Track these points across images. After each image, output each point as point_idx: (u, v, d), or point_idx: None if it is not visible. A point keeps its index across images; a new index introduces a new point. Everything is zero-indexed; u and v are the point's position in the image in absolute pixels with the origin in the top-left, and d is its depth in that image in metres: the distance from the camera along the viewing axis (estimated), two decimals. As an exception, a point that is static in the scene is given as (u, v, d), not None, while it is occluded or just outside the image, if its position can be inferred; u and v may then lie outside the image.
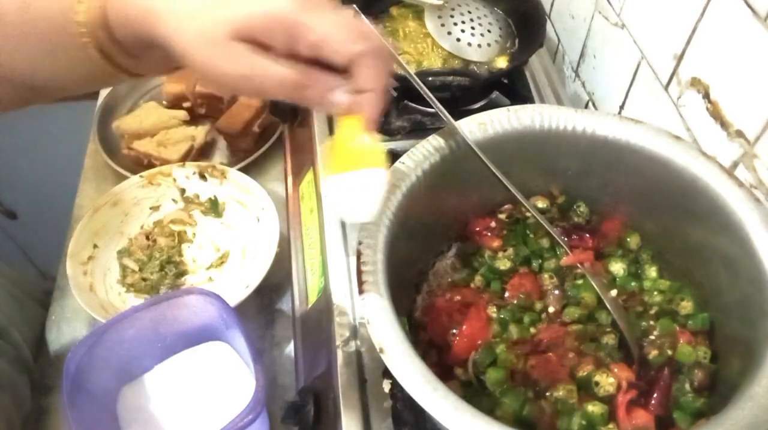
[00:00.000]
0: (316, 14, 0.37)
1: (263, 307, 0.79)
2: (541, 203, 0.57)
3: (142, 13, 0.39)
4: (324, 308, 0.61)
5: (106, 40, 0.42)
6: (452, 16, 0.78)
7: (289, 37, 0.37)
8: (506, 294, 0.53)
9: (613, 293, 0.53)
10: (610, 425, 0.45)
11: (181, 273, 0.82)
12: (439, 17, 0.78)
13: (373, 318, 0.41)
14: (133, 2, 0.40)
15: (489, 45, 0.78)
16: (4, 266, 0.83)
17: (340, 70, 0.39)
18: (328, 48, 0.37)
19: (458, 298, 0.53)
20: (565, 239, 0.55)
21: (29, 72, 0.46)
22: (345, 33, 0.37)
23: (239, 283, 0.78)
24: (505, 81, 0.79)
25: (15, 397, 0.69)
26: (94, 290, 0.77)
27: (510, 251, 0.56)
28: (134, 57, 0.44)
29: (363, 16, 0.72)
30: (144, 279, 0.81)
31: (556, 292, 0.53)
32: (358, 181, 0.41)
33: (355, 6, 0.77)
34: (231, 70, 0.37)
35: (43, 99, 0.50)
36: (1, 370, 0.69)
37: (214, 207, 0.87)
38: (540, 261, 0.55)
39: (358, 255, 0.44)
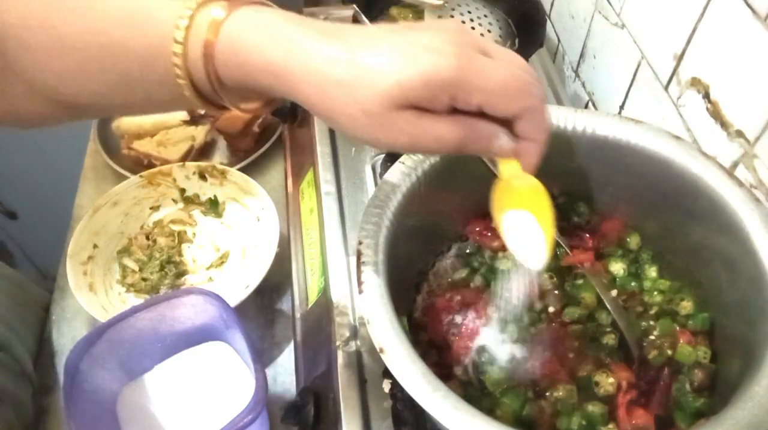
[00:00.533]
0: (479, 71, 0.35)
1: (263, 307, 0.79)
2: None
3: (265, 66, 0.36)
4: (324, 308, 0.61)
5: (205, 82, 0.38)
6: (452, 16, 0.78)
7: (451, 99, 0.35)
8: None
9: (613, 293, 0.53)
10: (610, 425, 0.45)
11: (181, 273, 0.82)
12: (439, 17, 0.78)
13: (373, 318, 0.41)
14: (252, 52, 0.36)
15: (489, 45, 0.78)
16: (5, 266, 0.83)
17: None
18: (491, 108, 0.36)
19: (458, 298, 0.53)
20: (565, 239, 0.55)
21: (92, 99, 0.42)
22: (509, 90, 0.35)
23: (239, 283, 0.78)
24: (505, 81, 0.79)
25: (18, 410, 0.69)
26: (94, 290, 0.77)
27: (510, 250, 0.56)
28: (233, 96, 0.40)
29: (363, 16, 0.73)
30: (144, 279, 0.81)
31: (556, 292, 0.53)
32: (525, 227, 0.41)
33: (355, 6, 0.77)
34: (391, 138, 0.35)
35: (91, 118, 0.48)
36: (5, 385, 0.68)
37: (214, 207, 0.87)
38: (540, 261, 0.55)
39: (358, 255, 0.44)
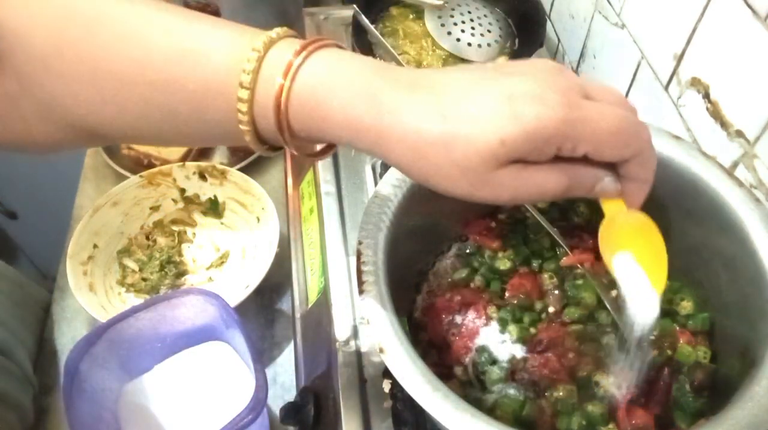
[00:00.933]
0: (587, 120, 0.32)
1: (263, 307, 0.79)
2: (541, 203, 0.57)
3: (348, 122, 0.33)
4: (324, 308, 0.61)
5: (273, 130, 0.35)
6: (452, 16, 0.78)
7: (556, 149, 0.33)
8: (506, 294, 0.53)
9: (613, 293, 0.53)
10: (610, 425, 0.45)
11: (181, 273, 0.82)
12: (439, 17, 0.78)
13: (373, 318, 0.41)
14: (334, 106, 0.33)
15: (489, 45, 0.78)
16: (5, 266, 0.83)
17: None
18: (599, 156, 0.34)
19: (458, 298, 0.53)
20: (565, 239, 0.55)
21: (122, 128, 0.39)
22: (618, 137, 0.33)
23: (239, 283, 0.78)
24: (505, 81, 0.79)
25: (19, 413, 0.69)
26: (94, 290, 0.77)
27: (510, 251, 0.56)
28: (300, 143, 0.36)
29: (363, 16, 0.73)
30: (144, 279, 0.81)
31: (556, 292, 0.53)
32: (633, 275, 0.40)
33: (355, 6, 0.77)
34: (494, 195, 0.33)
35: (110, 144, 0.45)
36: (6, 388, 0.68)
37: (214, 207, 0.87)
38: (540, 261, 0.55)
39: (358, 255, 0.44)
